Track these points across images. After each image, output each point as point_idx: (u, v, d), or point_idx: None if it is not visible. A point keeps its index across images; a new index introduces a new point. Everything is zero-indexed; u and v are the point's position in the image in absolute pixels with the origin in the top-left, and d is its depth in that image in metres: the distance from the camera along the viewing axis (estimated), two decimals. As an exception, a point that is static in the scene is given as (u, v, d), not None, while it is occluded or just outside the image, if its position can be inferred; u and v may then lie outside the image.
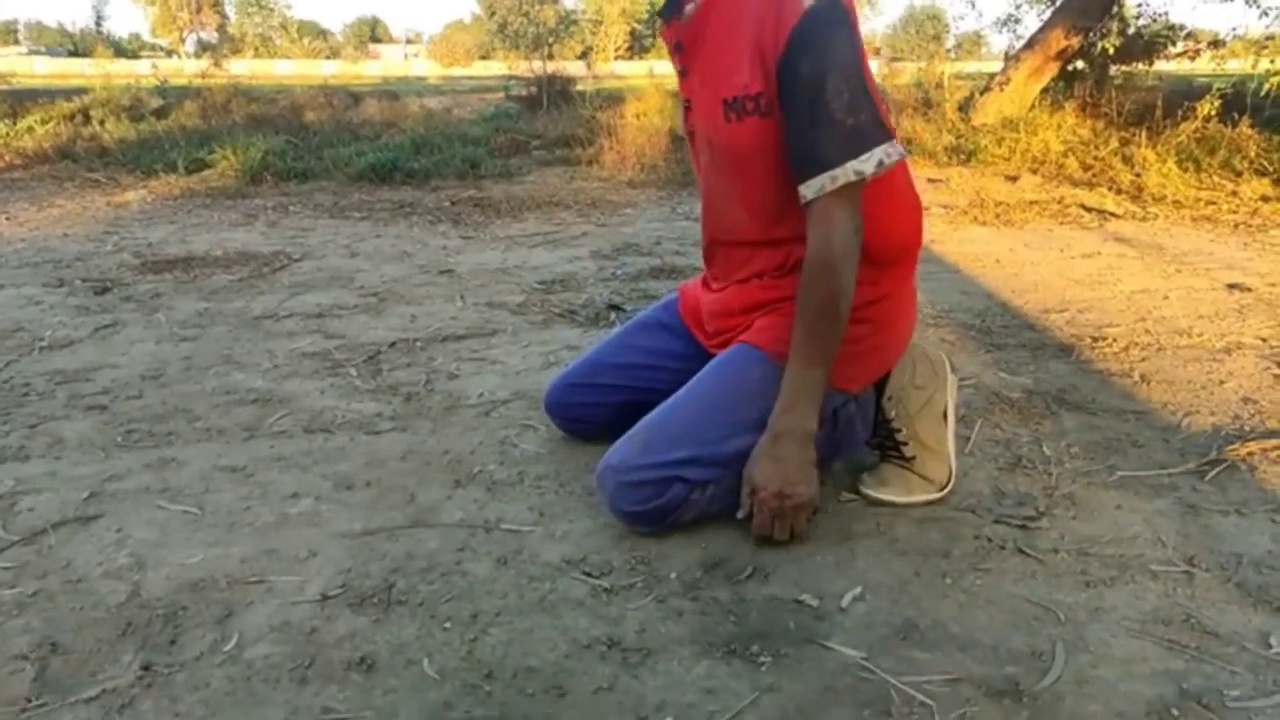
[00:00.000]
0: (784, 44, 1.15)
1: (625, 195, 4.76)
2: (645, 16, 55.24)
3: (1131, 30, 6.98)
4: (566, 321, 2.38)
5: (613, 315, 2.44)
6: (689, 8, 1.29)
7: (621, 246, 3.40)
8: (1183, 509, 1.33)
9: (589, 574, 1.18)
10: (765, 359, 1.28)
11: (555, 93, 11.06)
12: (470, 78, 34.12)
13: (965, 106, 7.39)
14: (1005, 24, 9.29)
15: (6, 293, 2.69)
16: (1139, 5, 7.34)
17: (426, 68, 48.94)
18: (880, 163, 1.15)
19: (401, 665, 1.01)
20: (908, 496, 1.35)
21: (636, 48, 52.75)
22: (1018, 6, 9.15)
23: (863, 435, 1.39)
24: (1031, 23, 8.01)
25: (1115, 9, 7.11)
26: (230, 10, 53.94)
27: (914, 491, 1.35)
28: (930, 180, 5.20)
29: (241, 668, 1.01)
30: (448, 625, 1.08)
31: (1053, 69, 7.33)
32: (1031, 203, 4.24)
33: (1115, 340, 2.14)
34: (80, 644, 1.05)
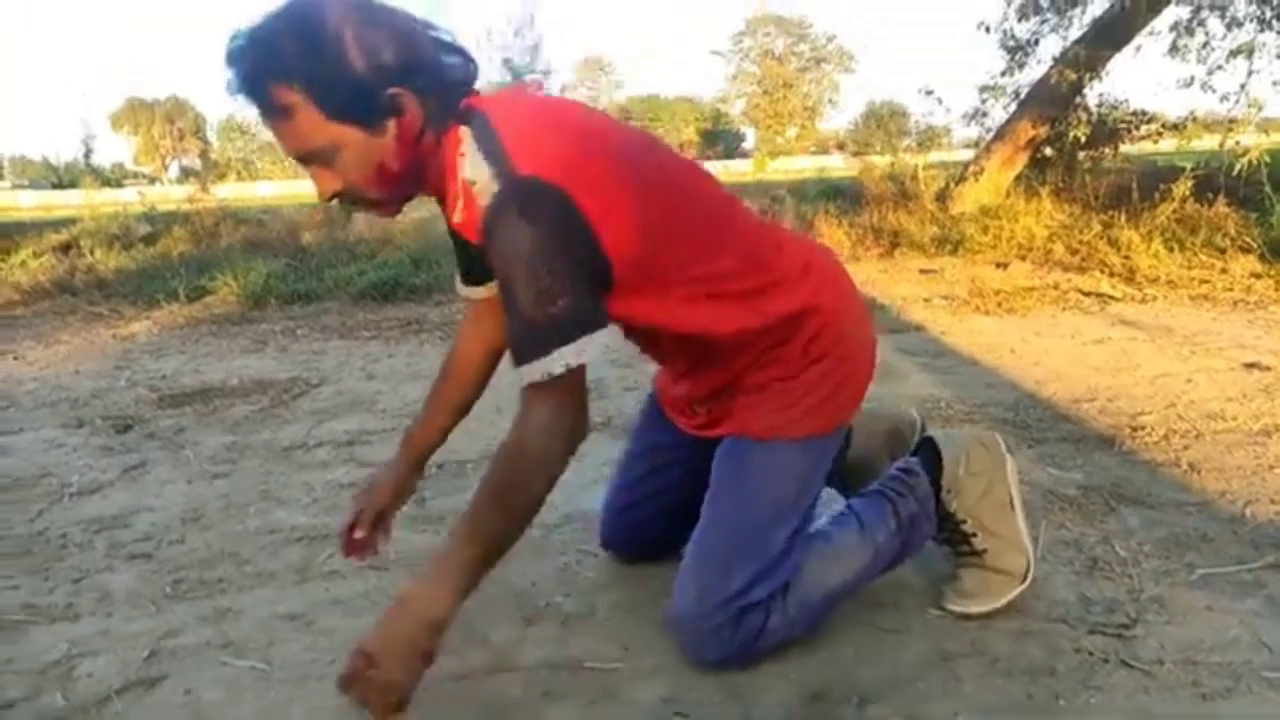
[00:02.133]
0: (483, 242, 1.06)
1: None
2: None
3: (1096, 119, 7.30)
4: (603, 434, 2.37)
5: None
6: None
7: (635, 354, 3.41)
8: (1275, 608, 1.31)
9: (683, 715, 1.14)
10: (764, 445, 1.26)
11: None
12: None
13: (942, 196, 7.63)
14: (974, 118, 9.70)
15: (26, 436, 2.65)
16: (1100, 95, 7.69)
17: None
18: (568, 365, 1.02)
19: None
20: (994, 602, 1.32)
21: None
22: (984, 101, 9.59)
23: (929, 532, 1.37)
24: (998, 114, 8.29)
25: (1078, 99, 7.45)
26: (212, 136, 55.43)
27: (997, 593, 1.33)
28: (923, 271, 5.31)
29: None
30: None
31: (1023, 158, 7.61)
32: (1028, 289, 4.33)
33: (1153, 429, 2.15)
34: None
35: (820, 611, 1.27)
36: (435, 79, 1.04)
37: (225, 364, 3.63)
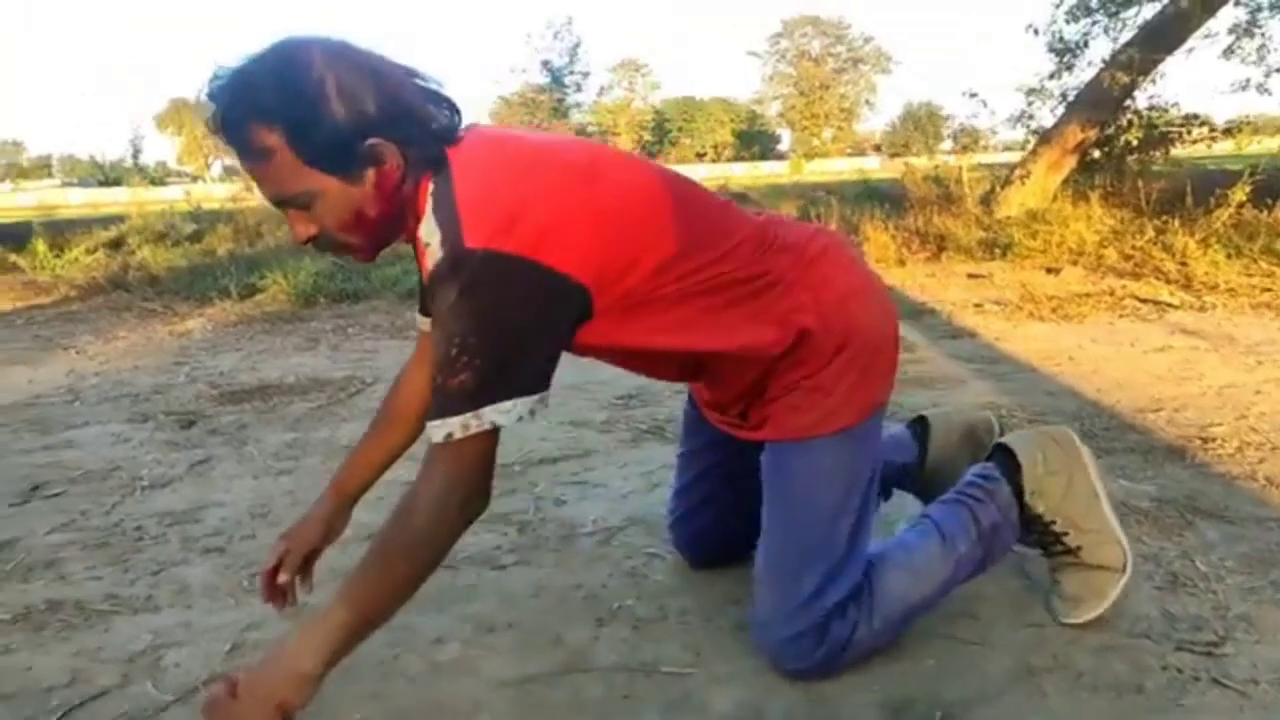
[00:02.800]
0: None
1: (673, 303, 4.80)
2: (652, 124, 57.26)
3: (1148, 124, 7.16)
4: (656, 439, 2.38)
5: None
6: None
7: (686, 357, 3.41)
8: (1368, 626, 1.28)
9: (769, 722, 1.14)
10: (803, 446, 1.23)
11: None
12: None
13: (987, 199, 7.53)
14: (1019, 121, 9.57)
15: (94, 430, 2.72)
16: (1150, 97, 7.56)
17: (443, 181, 50.41)
18: (449, 435, 1.00)
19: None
20: (1102, 602, 1.31)
21: (643, 153, 54.50)
22: (1030, 103, 9.45)
23: (1010, 539, 1.35)
24: (1044, 117, 8.17)
25: (1128, 102, 7.32)
26: (254, 136, 56.10)
27: (1101, 590, 1.32)
28: (971, 276, 5.25)
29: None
30: None
31: (1071, 161, 7.50)
32: (1082, 295, 4.26)
33: (1224, 441, 2.11)
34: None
35: (903, 623, 1.27)
36: (416, 130, 1.04)
37: (281, 361, 3.68)
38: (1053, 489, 1.33)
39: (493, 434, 1.02)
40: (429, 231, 1.02)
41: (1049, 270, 5.18)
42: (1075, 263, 5.30)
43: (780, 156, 60.80)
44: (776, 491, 1.26)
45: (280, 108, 0.98)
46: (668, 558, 1.64)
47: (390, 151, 1.02)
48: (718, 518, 1.53)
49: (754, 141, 62.18)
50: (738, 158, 57.64)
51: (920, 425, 1.66)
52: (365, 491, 1.39)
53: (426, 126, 1.04)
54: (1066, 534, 1.32)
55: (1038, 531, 1.35)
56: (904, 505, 1.67)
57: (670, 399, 2.80)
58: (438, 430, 1.00)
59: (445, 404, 1.00)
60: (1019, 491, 1.34)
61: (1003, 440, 1.42)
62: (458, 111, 1.10)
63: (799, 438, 1.23)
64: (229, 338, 4.33)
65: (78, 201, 30.12)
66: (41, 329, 4.81)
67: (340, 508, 1.37)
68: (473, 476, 1.03)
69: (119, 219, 10.38)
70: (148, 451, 2.48)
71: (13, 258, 7.31)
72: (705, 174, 30.13)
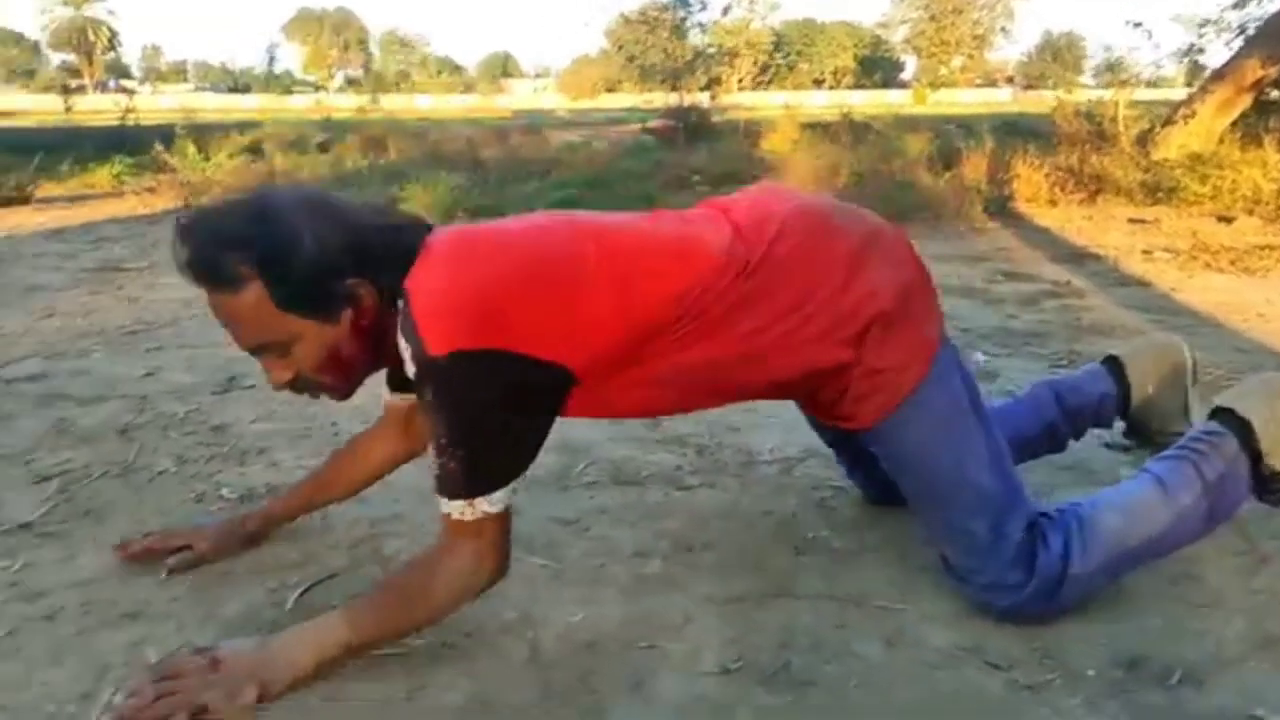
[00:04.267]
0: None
1: (811, 234, 4.70)
2: (770, 47, 55.30)
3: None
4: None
5: (868, 367, 2.38)
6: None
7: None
8: None
9: (995, 665, 1.13)
10: (887, 425, 1.21)
11: (692, 125, 11.18)
12: (597, 110, 34.82)
13: (1144, 139, 7.02)
14: (1187, 54, 8.82)
15: (274, 328, 2.86)
16: (1350, 31, 6.82)
17: (554, 101, 50.39)
18: (457, 513, 1.07)
19: (844, 756, 0.98)
20: None
21: (761, 79, 52.88)
22: (1201, 35, 8.68)
23: (1239, 495, 1.27)
24: (1218, 52, 7.51)
25: (1322, 35, 6.64)
26: (375, 48, 57.16)
27: None
28: (1133, 220, 4.94)
29: (681, 745, 1.00)
30: (872, 715, 1.05)
31: (1244, 101, 6.90)
32: (1264, 248, 3.95)
33: None
34: (517, 706, 1.07)
35: (1122, 565, 1.23)
36: (387, 264, 1.07)
37: (431, 272, 3.78)
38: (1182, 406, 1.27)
39: (506, 513, 1.09)
40: (404, 347, 1.04)
41: (1221, 219, 4.82)
42: (1251, 211, 4.91)
43: (903, 85, 58.05)
44: (896, 468, 1.26)
45: (257, 255, 1.02)
46: (851, 492, 1.63)
47: (366, 290, 1.07)
48: (865, 479, 1.56)
49: (876, 68, 59.47)
50: (858, 85, 55.33)
51: (1111, 361, 1.63)
52: (279, 525, 1.47)
53: (394, 256, 1.07)
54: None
55: (1277, 488, 1.28)
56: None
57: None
58: (444, 505, 1.07)
59: (444, 484, 1.06)
60: (1253, 451, 1.27)
61: (1221, 403, 1.34)
62: (426, 225, 1.14)
63: (883, 418, 1.21)
64: (378, 246, 4.46)
65: (211, 106, 31.32)
66: (205, 229, 5.07)
67: (263, 530, 1.45)
68: (497, 553, 1.10)
69: (252, 124, 10.78)
70: (326, 351, 2.60)
71: (165, 158, 7.67)
72: (823, 101, 29.06)
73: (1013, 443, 1.54)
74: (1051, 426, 1.58)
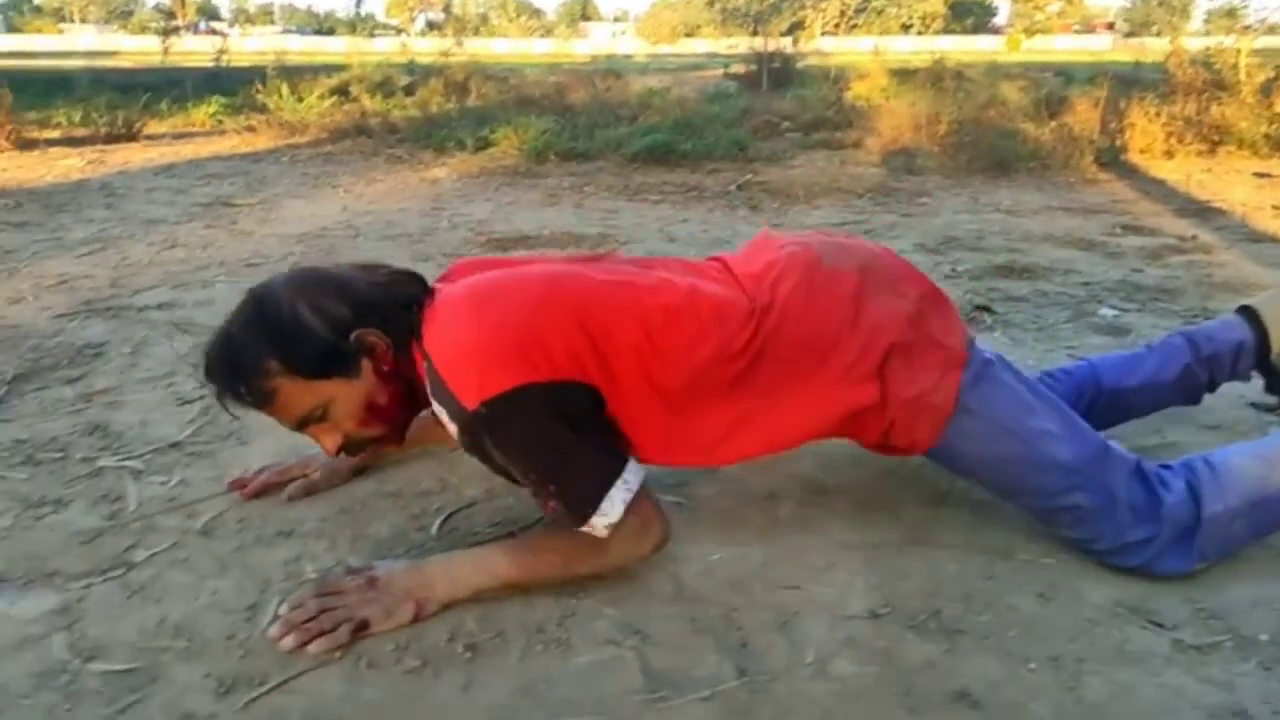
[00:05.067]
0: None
1: (910, 183, 4.56)
2: (857, -10, 53.28)
3: None
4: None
5: (988, 318, 2.31)
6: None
7: (943, 240, 3.25)
8: None
9: (1158, 624, 1.09)
10: (949, 439, 1.18)
11: (775, 70, 10.89)
12: (676, 55, 34.22)
13: (1269, 89, 6.56)
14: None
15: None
16: None
17: (633, 45, 49.68)
18: (610, 523, 1.09)
19: (1006, 706, 0.96)
20: None
21: (847, 24, 51.13)
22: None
23: None
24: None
25: None
26: (455, -10, 57.09)
27: None
28: (1259, 174, 4.66)
29: (837, 685, 1.00)
30: (1032, 666, 1.02)
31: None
32: None
33: None
34: (666, 637, 1.08)
35: (1267, 516, 1.17)
36: (388, 311, 1.15)
37: (530, 214, 3.79)
38: None
39: (637, 497, 1.10)
40: (441, 412, 1.11)
41: (1359, 174, 4.50)
42: (1396, 168, 4.57)
43: (995, 31, 55.49)
44: (975, 475, 1.24)
45: (271, 349, 1.11)
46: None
47: (374, 336, 1.13)
48: None
49: (968, 13, 56.92)
50: (947, 30, 53.06)
51: (1245, 310, 1.54)
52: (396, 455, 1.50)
53: (395, 304, 1.16)
54: None
55: None
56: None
57: (939, 283, 2.67)
58: (584, 530, 1.10)
59: (566, 517, 1.10)
60: None
61: None
62: (418, 278, 1.22)
63: (937, 440, 1.18)
64: (475, 188, 4.49)
65: (298, 48, 31.79)
66: (306, 167, 5.18)
67: (370, 461, 1.47)
68: (652, 525, 1.14)
69: (338, 67, 10.89)
70: (436, 289, 2.63)
71: (261, 99, 7.83)
72: (911, 47, 27.99)
73: (1145, 389, 1.50)
74: (1186, 372, 1.50)
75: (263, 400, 1.14)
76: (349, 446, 1.19)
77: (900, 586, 1.17)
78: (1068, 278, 2.70)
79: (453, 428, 1.11)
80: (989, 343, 2.10)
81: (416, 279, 1.23)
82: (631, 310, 1.14)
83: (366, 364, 1.15)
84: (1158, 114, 5.45)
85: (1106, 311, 2.34)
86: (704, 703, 0.97)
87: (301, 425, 1.17)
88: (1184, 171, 4.76)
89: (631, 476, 1.11)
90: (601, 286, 1.16)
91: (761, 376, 1.16)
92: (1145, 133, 5.33)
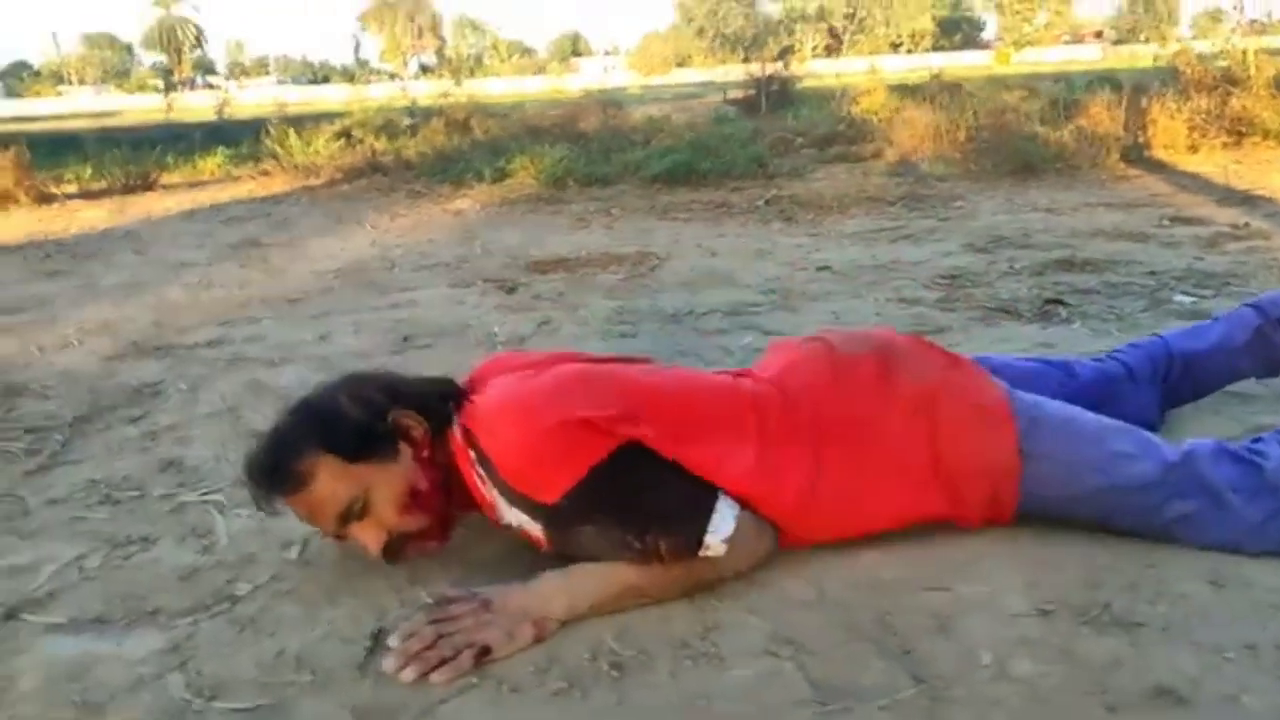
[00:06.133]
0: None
1: (940, 189, 4.53)
2: (846, 10, 53.89)
3: None
4: (1012, 318, 2.22)
5: (1062, 311, 2.25)
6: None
7: (990, 240, 3.19)
8: None
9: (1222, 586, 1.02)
10: (1033, 483, 1.15)
11: (773, 93, 10.93)
12: (668, 85, 34.48)
13: (1280, 84, 6.54)
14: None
15: (428, 293, 2.86)
16: None
17: (625, 78, 50.13)
18: (716, 549, 1.07)
19: (1216, 700, 0.89)
20: None
21: (835, 46, 51.60)
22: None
23: None
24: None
25: None
26: (447, 33, 57.81)
27: None
28: (1290, 165, 4.61)
29: (1023, 687, 0.92)
30: (1229, 656, 0.95)
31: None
32: None
33: None
34: (821, 645, 1.00)
35: None
36: (420, 395, 1.18)
37: (563, 238, 3.75)
38: None
39: (734, 534, 1.07)
40: (509, 513, 1.11)
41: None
42: None
43: (983, 46, 55.95)
44: (1076, 517, 1.18)
45: (310, 430, 1.12)
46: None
47: (409, 417, 1.14)
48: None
49: (956, 29, 57.51)
50: (936, 48, 53.52)
51: None
52: None
53: (430, 391, 1.20)
54: None
55: None
56: None
57: (998, 280, 2.62)
58: (708, 554, 1.07)
59: (678, 555, 1.06)
60: None
61: None
62: (449, 381, 1.25)
63: (1020, 497, 1.16)
64: (500, 217, 4.46)
65: (295, 99, 32.15)
66: (326, 206, 5.16)
67: None
68: (759, 539, 1.12)
69: (338, 114, 10.96)
70: (486, 312, 2.58)
71: (273, 146, 7.85)
72: (903, 65, 28.19)
73: (1217, 353, 1.46)
74: (1259, 335, 1.44)
75: (300, 483, 1.10)
76: (392, 546, 1.13)
77: (1057, 580, 1.10)
78: (1131, 268, 2.63)
79: (536, 528, 1.10)
80: (1069, 337, 2.05)
81: (450, 380, 1.26)
82: (668, 393, 1.17)
83: (405, 448, 1.14)
84: (1179, 110, 5.42)
85: (1182, 298, 2.28)
86: (883, 712, 0.90)
87: (343, 523, 1.12)
88: (1214, 164, 4.72)
89: (724, 496, 1.09)
90: (634, 373, 1.21)
91: (810, 460, 1.14)
92: (1167, 129, 5.31)
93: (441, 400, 1.18)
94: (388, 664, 0.99)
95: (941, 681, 0.93)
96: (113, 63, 65.56)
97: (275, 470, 1.11)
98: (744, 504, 1.10)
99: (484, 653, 1.00)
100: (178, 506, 1.42)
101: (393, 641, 1.03)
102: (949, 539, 1.19)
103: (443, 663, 0.98)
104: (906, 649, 0.99)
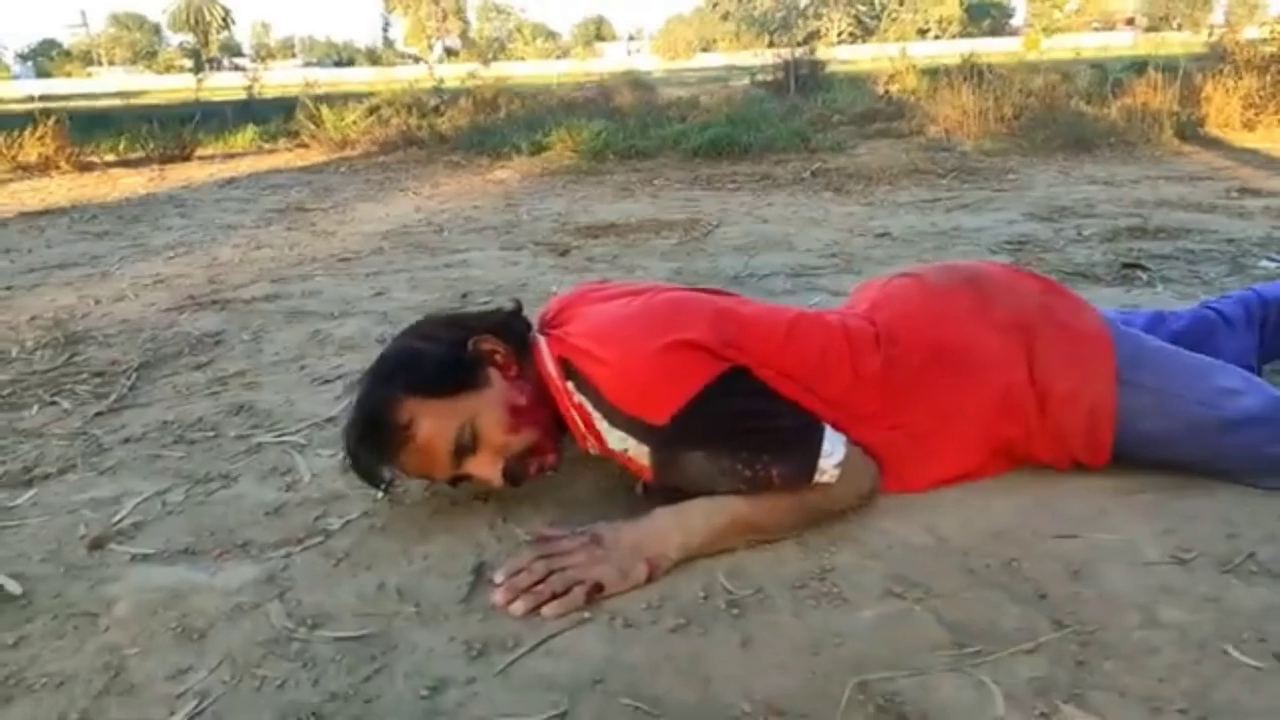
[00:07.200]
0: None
1: (990, 162, 4.43)
2: (872, -2, 53.22)
3: None
4: (1090, 282, 2.15)
5: (1143, 275, 2.17)
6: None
7: (1052, 209, 3.11)
8: None
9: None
10: (1131, 417, 1.11)
11: (802, 76, 10.78)
12: (692, 70, 34.24)
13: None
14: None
15: (480, 254, 2.82)
16: None
17: (649, 62, 49.82)
18: (828, 476, 1.04)
19: (1386, 649, 0.83)
20: None
21: (860, 31, 51.04)
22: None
23: None
24: None
25: None
26: (472, 17, 57.65)
27: None
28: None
29: (1175, 633, 0.86)
30: (1395, 605, 0.89)
31: None
32: None
33: None
34: (948, 589, 0.95)
35: None
36: (495, 323, 1.15)
37: (609, 206, 3.70)
38: None
39: (845, 460, 1.04)
40: (615, 438, 1.06)
41: None
42: None
43: (1013, 33, 55.13)
44: (1176, 458, 1.14)
45: (394, 381, 1.07)
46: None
47: (489, 341, 1.11)
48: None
49: (984, 15, 56.69)
50: (964, 34, 52.80)
51: None
52: None
53: (498, 318, 1.17)
54: None
55: None
56: None
57: (1068, 247, 2.54)
58: (822, 479, 1.04)
59: (793, 481, 1.03)
60: None
61: None
62: (515, 303, 1.23)
63: (1115, 425, 1.11)
64: (542, 186, 4.41)
65: (323, 80, 32.20)
66: (367, 175, 5.14)
67: None
68: (867, 476, 1.09)
69: (366, 95, 10.94)
70: (542, 272, 2.54)
71: (306, 121, 7.83)
72: (930, 51, 27.80)
73: None
74: None
75: (404, 440, 1.05)
76: (510, 470, 1.09)
77: (1194, 530, 1.04)
78: (1206, 236, 2.55)
79: (641, 450, 1.05)
80: (1153, 300, 1.97)
81: (516, 302, 1.24)
82: (763, 322, 1.14)
83: (491, 372, 1.11)
84: (1235, 87, 5.28)
85: (1268, 263, 2.20)
86: (1029, 655, 0.84)
87: (458, 461, 1.07)
88: (1272, 140, 4.60)
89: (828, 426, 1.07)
90: (731, 303, 1.17)
91: (908, 395, 1.12)
92: (1222, 107, 5.18)
93: (513, 320, 1.17)
94: (497, 597, 0.95)
95: (1088, 627, 0.88)
96: (142, 44, 65.94)
97: (376, 429, 1.06)
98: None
99: (596, 589, 0.96)
100: (254, 447, 1.39)
101: (498, 577, 0.98)
102: (1067, 492, 1.14)
103: (553, 598, 0.94)
104: (1042, 594, 0.94)
